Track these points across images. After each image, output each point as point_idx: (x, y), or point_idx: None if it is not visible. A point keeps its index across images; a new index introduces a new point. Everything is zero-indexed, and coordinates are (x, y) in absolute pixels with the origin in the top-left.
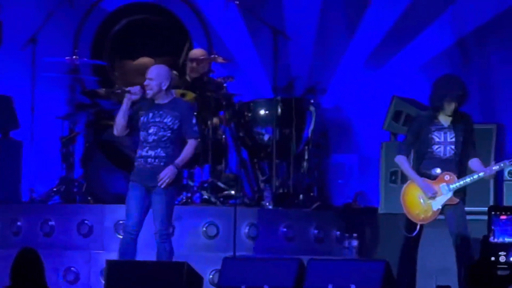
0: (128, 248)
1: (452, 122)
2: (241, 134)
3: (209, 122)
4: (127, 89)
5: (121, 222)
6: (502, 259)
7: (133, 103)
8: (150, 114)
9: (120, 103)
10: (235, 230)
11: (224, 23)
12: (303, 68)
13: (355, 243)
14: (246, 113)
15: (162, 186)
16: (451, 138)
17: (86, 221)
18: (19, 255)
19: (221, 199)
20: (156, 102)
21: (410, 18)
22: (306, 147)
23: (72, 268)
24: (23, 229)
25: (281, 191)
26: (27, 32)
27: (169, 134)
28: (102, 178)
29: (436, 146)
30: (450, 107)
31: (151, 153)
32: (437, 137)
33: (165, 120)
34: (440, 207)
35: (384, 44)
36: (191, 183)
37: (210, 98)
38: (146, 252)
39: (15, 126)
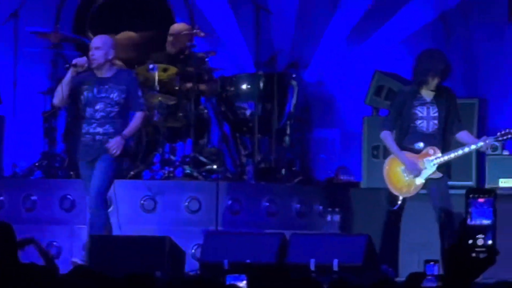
0: (99, 227)
1: (434, 96)
2: (223, 109)
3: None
4: (73, 61)
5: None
6: (480, 242)
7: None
8: (95, 89)
9: None
10: (218, 204)
11: None
12: (285, 42)
13: (337, 217)
14: (228, 88)
15: (114, 155)
16: (434, 113)
17: (68, 196)
18: None
19: (203, 173)
20: (100, 76)
21: None
22: (288, 122)
23: (54, 243)
24: (5, 203)
25: (263, 165)
26: (9, 6)
27: (116, 109)
28: None
29: (419, 121)
30: (434, 81)
31: (99, 129)
32: (420, 112)
33: (111, 96)
34: (424, 181)
35: (366, 18)
36: (173, 157)
37: (191, 73)
38: (128, 227)
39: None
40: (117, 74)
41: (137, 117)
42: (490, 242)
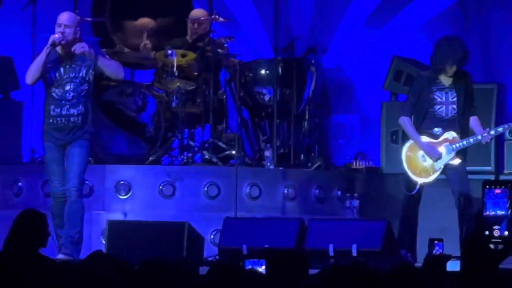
0: (61, 212)
1: (453, 81)
2: (241, 94)
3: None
4: (52, 41)
5: (122, 182)
6: (496, 233)
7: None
8: (62, 69)
9: (121, 63)
10: (236, 190)
11: None
12: (303, 28)
13: (356, 203)
14: (247, 73)
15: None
16: (453, 98)
17: (87, 182)
18: (22, 217)
19: (222, 159)
20: (65, 54)
21: None
22: (307, 107)
23: None
24: (24, 189)
25: (282, 151)
26: None
27: (87, 87)
28: (103, 139)
29: (438, 106)
30: (452, 69)
31: (73, 111)
32: (438, 97)
33: (80, 74)
34: (442, 166)
35: (384, 3)
36: (192, 143)
37: (210, 58)
38: (147, 213)
39: (16, 87)
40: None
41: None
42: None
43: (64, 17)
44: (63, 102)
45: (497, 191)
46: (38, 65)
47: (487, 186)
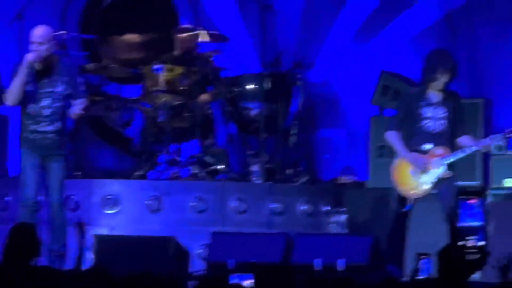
0: (32, 222)
1: (442, 98)
2: (229, 109)
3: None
4: (29, 59)
5: (108, 197)
6: (470, 243)
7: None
8: (37, 84)
9: (108, 78)
10: (224, 204)
11: None
12: (290, 42)
13: (343, 217)
14: (234, 88)
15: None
16: (441, 114)
17: (73, 196)
18: (14, 231)
19: (209, 173)
20: (40, 68)
21: None
22: (294, 122)
23: None
24: (12, 204)
25: (269, 165)
26: (14, 7)
27: (64, 103)
28: (89, 153)
29: (426, 121)
30: (442, 79)
31: (50, 128)
32: (426, 112)
33: (57, 90)
34: (434, 181)
35: (372, 18)
36: (178, 157)
37: (197, 73)
38: (134, 227)
39: (1, 101)
40: (58, 65)
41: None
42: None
43: (37, 34)
44: (38, 118)
45: (472, 201)
46: (18, 85)
47: (461, 196)
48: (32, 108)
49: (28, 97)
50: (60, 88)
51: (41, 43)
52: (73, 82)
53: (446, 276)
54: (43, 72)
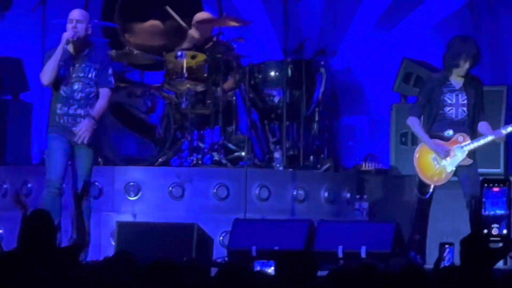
0: (55, 206)
1: (463, 84)
2: (251, 96)
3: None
4: (66, 38)
5: (131, 184)
6: (494, 231)
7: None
8: (71, 68)
9: (131, 65)
10: (246, 191)
11: None
12: (313, 29)
13: (365, 205)
14: (256, 75)
15: (85, 142)
16: (463, 100)
17: (96, 183)
18: (31, 216)
19: (232, 160)
20: (74, 53)
21: None
22: (317, 109)
23: None
24: (34, 190)
25: (291, 152)
26: None
27: (95, 90)
28: (112, 140)
29: (448, 108)
30: (465, 65)
31: (81, 111)
32: (449, 99)
33: (89, 75)
34: (454, 168)
35: (394, 5)
36: (201, 144)
37: (220, 60)
38: (156, 214)
39: (25, 88)
40: (91, 51)
41: (104, 95)
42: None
43: (76, 13)
44: (71, 101)
45: (496, 189)
46: (54, 64)
47: (486, 185)
48: (64, 90)
49: (60, 80)
50: (91, 74)
51: (78, 21)
52: (103, 69)
53: (469, 265)
54: (77, 55)
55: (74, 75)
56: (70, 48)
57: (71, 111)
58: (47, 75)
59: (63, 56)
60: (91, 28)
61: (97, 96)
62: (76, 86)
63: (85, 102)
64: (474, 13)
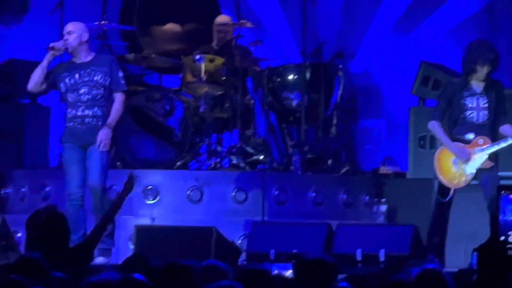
0: (79, 217)
1: (484, 88)
2: (269, 99)
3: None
4: (50, 44)
5: (149, 187)
6: (511, 238)
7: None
8: (77, 75)
9: (149, 68)
10: (264, 195)
11: None
12: (331, 33)
13: (383, 208)
14: (274, 78)
15: (104, 150)
16: (484, 104)
17: (114, 186)
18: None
19: (250, 164)
20: (79, 61)
21: None
22: (335, 112)
23: None
24: (52, 194)
25: (309, 156)
26: None
27: (102, 92)
28: (130, 143)
29: (469, 112)
30: (483, 70)
31: (88, 112)
32: (469, 102)
33: (95, 78)
34: (474, 171)
35: (412, 9)
36: (219, 148)
37: (238, 64)
38: (174, 217)
39: (44, 91)
40: (96, 57)
41: (118, 100)
42: None
43: (67, 25)
44: (78, 104)
45: None
46: (39, 71)
47: (503, 192)
48: (71, 97)
49: (67, 88)
50: (98, 77)
51: (69, 32)
52: (113, 74)
53: (486, 272)
54: (81, 64)
55: (80, 81)
56: (75, 58)
57: (78, 113)
58: (31, 81)
59: (69, 68)
60: (86, 35)
61: (104, 98)
62: (82, 90)
63: (92, 103)
64: (491, 17)
